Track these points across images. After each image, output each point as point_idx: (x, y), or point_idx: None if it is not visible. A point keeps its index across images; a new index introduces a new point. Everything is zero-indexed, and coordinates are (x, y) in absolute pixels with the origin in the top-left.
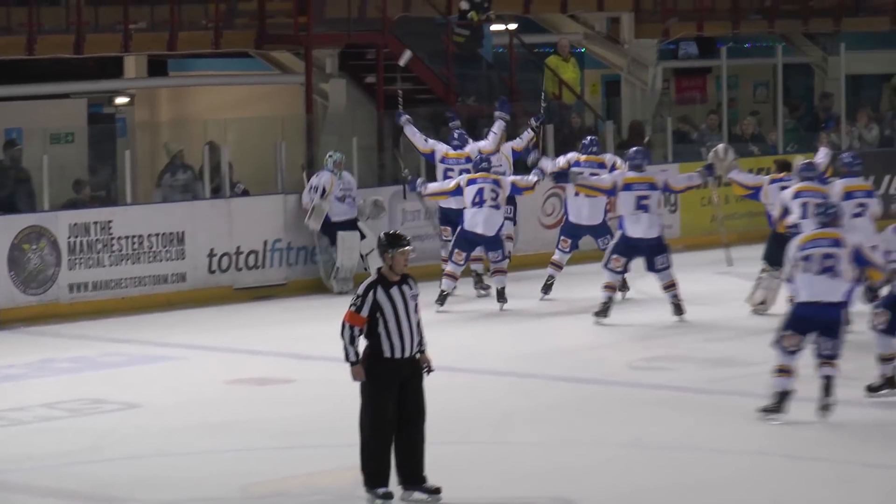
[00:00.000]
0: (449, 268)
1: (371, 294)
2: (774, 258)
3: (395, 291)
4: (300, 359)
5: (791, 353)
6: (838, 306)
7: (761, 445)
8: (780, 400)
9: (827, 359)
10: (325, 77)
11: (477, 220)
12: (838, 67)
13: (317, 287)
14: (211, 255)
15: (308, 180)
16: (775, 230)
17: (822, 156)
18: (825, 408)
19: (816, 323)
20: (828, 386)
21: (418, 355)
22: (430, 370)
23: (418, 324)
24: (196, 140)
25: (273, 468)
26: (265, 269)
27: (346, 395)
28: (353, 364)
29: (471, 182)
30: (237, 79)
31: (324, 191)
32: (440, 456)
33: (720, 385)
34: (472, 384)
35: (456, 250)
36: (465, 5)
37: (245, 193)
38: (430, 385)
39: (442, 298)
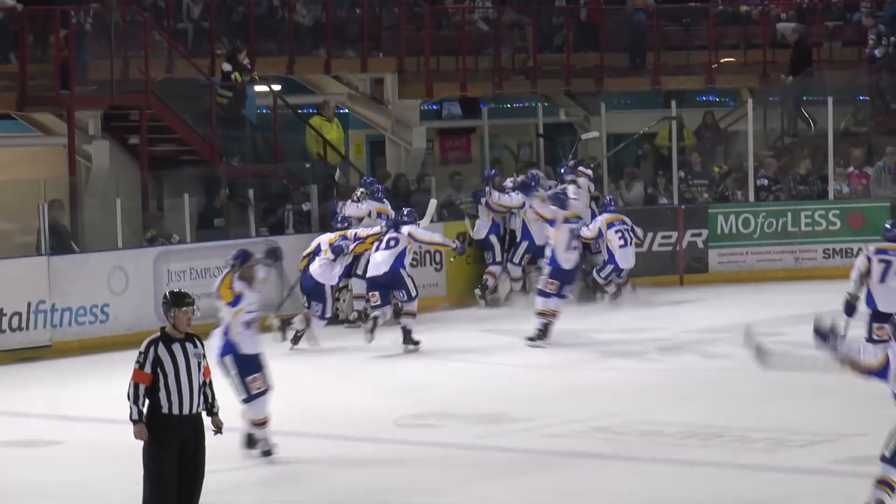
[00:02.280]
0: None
1: (152, 350)
2: None
3: (177, 348)
4: (67, 421)
5: None
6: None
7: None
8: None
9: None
10: (87, 139)
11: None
12: (600, 127)
13: (81, 348)
14: None
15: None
16: None
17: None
18: None
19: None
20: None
21: (205, 415)
22: (219, 432)
23: (209, 384)
24: None
25: None
26: (29, 331)
27: (114, 457)
28: (135, 422)
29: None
30: None
31: None
32: None
33: (486, 441)
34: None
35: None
36: (227, 66)
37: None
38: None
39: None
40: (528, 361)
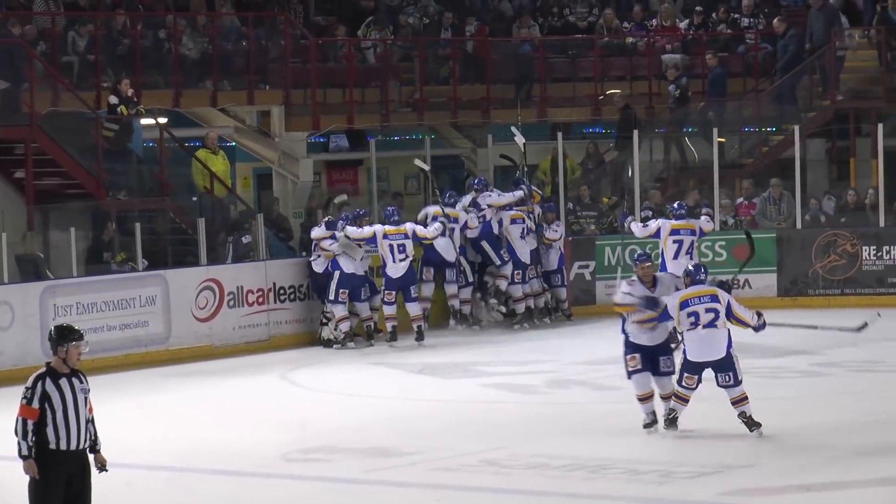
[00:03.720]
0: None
1: (40, 385)
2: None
3: (64, 383)
4: None
5: None
6: None
7: None
8: None
9: None
10: None
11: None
12: (487, 159)
13: None
14: None
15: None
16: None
17: None
18: None
19: None
20: None
21: (89, 452)
22: (103, 469)
23: (92, 421)
24: None
25: None
26: None
27: None
28: (25, 458)
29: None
30: None
31: None
32: None
33: (376, 475)
34: (128, 479)
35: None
36: (114, 99)
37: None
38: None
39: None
40: (417, 395)
